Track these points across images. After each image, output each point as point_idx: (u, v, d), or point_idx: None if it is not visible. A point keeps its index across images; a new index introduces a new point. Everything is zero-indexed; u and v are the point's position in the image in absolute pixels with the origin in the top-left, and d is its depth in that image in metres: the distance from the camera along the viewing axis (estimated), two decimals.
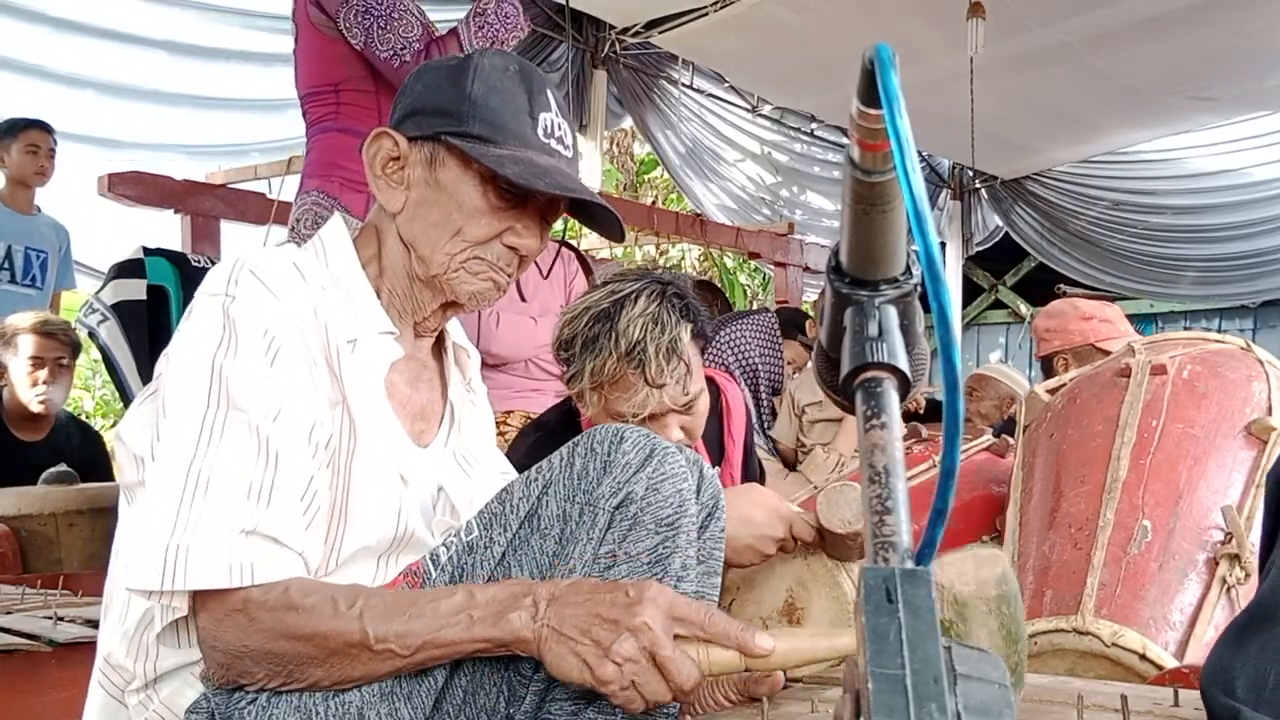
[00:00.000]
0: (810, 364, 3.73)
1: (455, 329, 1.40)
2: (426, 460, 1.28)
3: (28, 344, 3.39)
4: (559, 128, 1.26)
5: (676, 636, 1.03)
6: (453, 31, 2.41)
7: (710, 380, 2.18)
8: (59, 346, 3.44)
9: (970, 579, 1.10)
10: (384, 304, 1.26)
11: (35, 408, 3.46)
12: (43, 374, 3.43)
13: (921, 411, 4.38)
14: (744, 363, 4.04)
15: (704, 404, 1.84)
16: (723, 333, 4.04)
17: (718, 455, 2.17)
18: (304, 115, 2.57)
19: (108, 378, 3.56)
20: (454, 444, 1.34)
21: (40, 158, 4.16)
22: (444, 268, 1.24)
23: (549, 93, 1.27)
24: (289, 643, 1.04)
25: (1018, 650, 1.10)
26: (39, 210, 4.31)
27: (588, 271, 3.49)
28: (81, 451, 3.61)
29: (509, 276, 1.28)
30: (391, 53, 2.35)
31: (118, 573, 1.21)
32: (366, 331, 1.21)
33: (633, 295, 1.70)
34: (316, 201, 2.44)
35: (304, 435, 1.10)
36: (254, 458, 1.05)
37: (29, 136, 4.13)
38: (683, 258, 9.29)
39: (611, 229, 1.30)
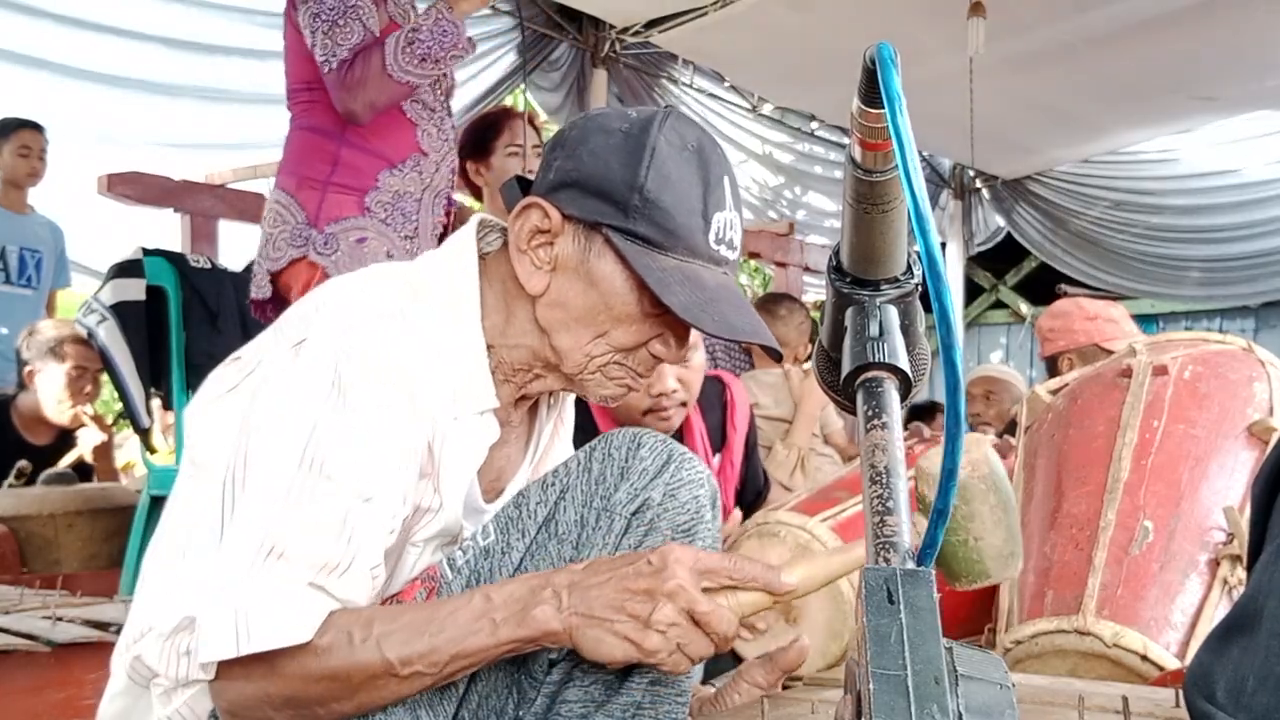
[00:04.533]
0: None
1: None
2: (490, 511, 1.23)
3: (74, 354, 3.41)
4: (730, 226, 1.14)
5: (704, 589, 1.02)
6: (379, 42, 2.31)
7: (717, 379, 2.37)
8: (98, 360, 3.46)
9: (965, 462, 1.11)
10: (492, 365, 1.17)
11: (60, 420, 3.46)
12: (85, 386, 3.45)
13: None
14: (711, 357, 4.08)
15: (700, 361, 1.99)
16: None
17: (719, 441, 2.30)
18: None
19: (106, 378, 3.57)
20: (527, 479, 1.29)
21: (32, 159, 4.16)
22: (581, 368, 1.16)
23: (726, 181, 1.14)
24: (311, 686, 1.00)
25: (1014, 515, 1.13)
26: (33, 210, 4.31)
27: None
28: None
29: (644, 382, 1.20)
30: (323, 58, 2.31)
31: (164, 557, 1.14)
32: (470, 408, 1.14)
33: None
34: (278, 199, 2.42)
35: (387, 521, 1.05)
36: (336, 537, 1.00)
37: (21, 138, 4.13)
38: None
39: (771, 354, 1.22)
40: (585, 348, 1.15)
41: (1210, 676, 0.89)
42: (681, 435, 2.25)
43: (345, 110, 2.33)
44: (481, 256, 1.20)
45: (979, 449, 1.14)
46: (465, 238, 1.20)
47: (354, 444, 1.02)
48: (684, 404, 2.08)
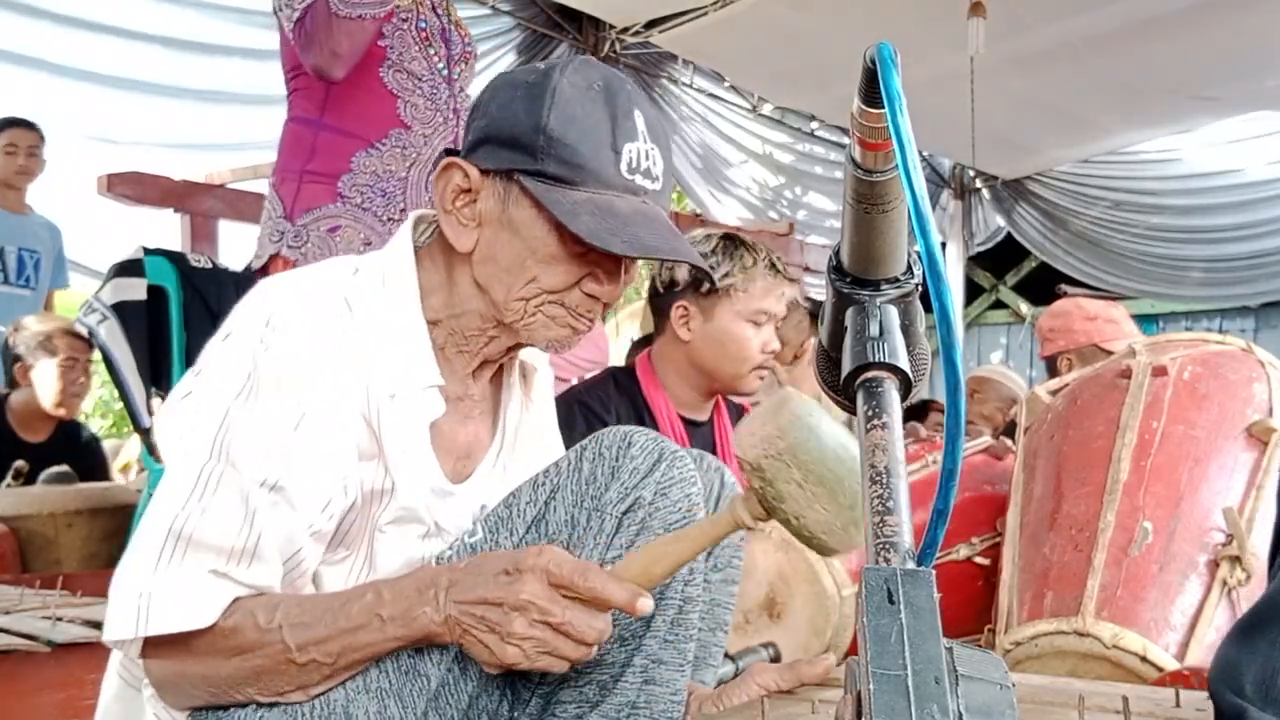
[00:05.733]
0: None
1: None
2: (465, 493, 1.24)
3: (65, 346, 3.40)
4: (646, 157, 1.16)
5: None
6: None
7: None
8: (88, 350, 3.45)
9: (756, 438, 1.02)
10: (439, 343, 1.20)
11: (61, 410, 3.46)
12: (78, 376, 3.44)
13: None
14: None
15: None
16: None
17: None
18: None
19: (106, 377, 3.57)
20: (504, 461, 1.30)
21: (20, 156, 4.11)
22: (519, 314, 1.17)
23: (637, 114, 1.16)
24: (220, 665, 1.04)
25: (845, 491, 1.00)
26: (31, 210, 4.29)
27: None
28: (82, 453, 3.61)
29: (590, 322, 1.21)
30: (288, 27, 2.19)
31: None
32: (409, 386, 1.15)
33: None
34: (267, 195, 2.32)
35: (308, 505, 1.07)
36: (240, 524, 1.03)
37: (8, 136, 4.09)
38: None
39: (700, 273, 1.23)
40: (518, 294, 1.16)
41: (1237, 670, 0.89)
42: (713, 431, 2.31)
43: (314, 68, 2.19)
44: (423, 246, 1.23)
45: (776, 418, 1.03)
46: (404, 227, 1.24)
47: (264, 432, 1.05)
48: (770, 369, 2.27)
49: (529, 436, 1.34)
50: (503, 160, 1.14)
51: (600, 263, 1.16)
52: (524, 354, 1.33)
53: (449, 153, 1.20)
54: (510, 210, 1.15)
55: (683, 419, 2.23)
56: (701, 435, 2.28)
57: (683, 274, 2.16)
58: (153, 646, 1.04)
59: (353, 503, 1.12)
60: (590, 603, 1.02)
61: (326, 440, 1.08)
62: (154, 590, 1.01)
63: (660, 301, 2.21)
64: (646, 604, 1.03)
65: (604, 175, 1.13)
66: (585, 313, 1.19)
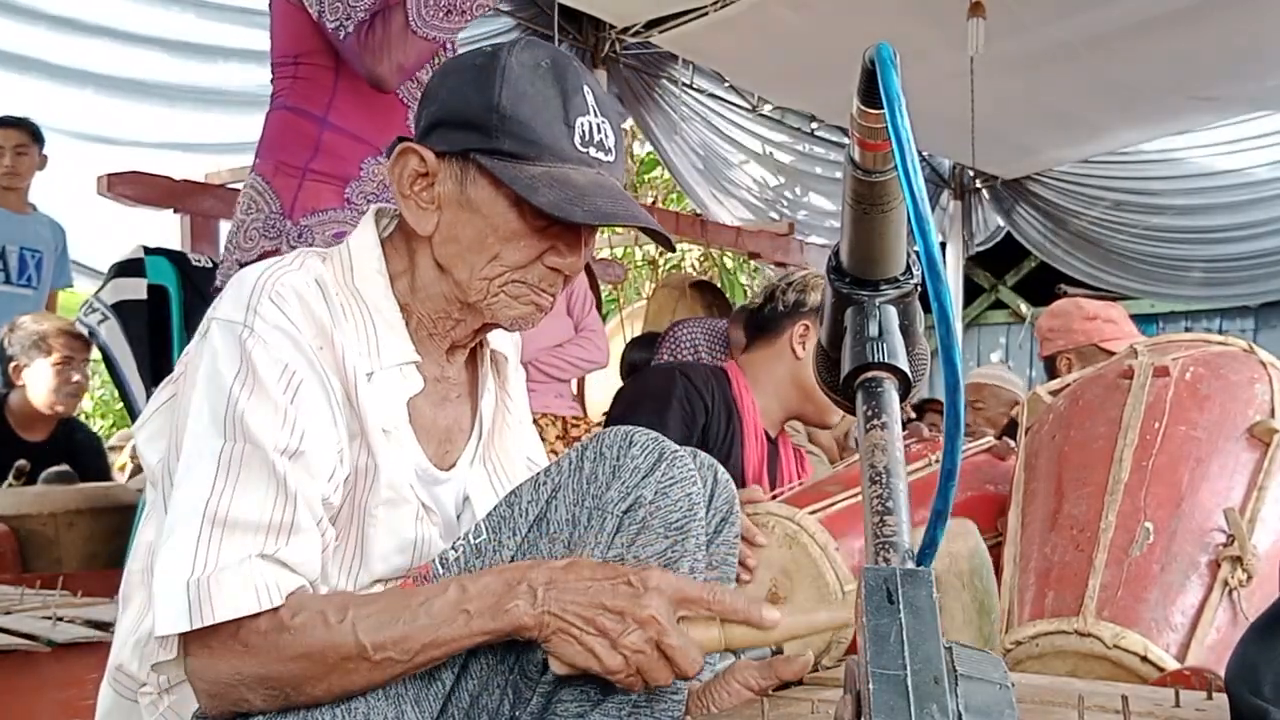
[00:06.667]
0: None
1: (495, 333, 1.34)
2: (450, 480, 1.26)
3: (60, 345, 3.39)
4: (598, 130, 1.17)
5: (682, 618, 1.05)
6: (400, 1, 2.11)
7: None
8: (84, 349, 3.45)
9: (944, 553, 1.08)
10: (412, 325, 1.21)
11: (57, 409, 3.46)
12: (74, 375, 3.44)
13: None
14: (694, 349, 4.10)
15: None
16: (683, 331, 4.13)
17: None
18: None
19: (107, 377, 3.57)
20: (484, 453, 1.31)
21: (6, 156, 4.06)
22: (483, 293, 1.18)
23: (586, 90, 1.18)
24: (284, 665, 1.02)
25: (990, 621, 1.08)
26: (34, 209, 4.27)
27: (588, 271, 3.49)
28: (82, 452, 3.61)
29: (552, 297, 1.22)
30: (337, 23, 2.12)
31: (134, 569, 1.18)
32: (385, 364, 1.17)
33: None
34: (253, 184, 2.21)
35: (321, 475, 1.08)
36: (274, 496, 1.04)
37: None
38: (682, 258, 9.29)
39: (658, 239, 1.23)
40: (481, 272, 1.17)
41: (1255, 670, 0.89)
42: (778, 450, 2.36)
43: (371, 75, 2.12)
44: (386, 238, 1.24)
45: (965, 541, 1.08)
46: (366, 217, 1.25)
47: (270, 407, 1.06)
48: None
49: (506, 430, 1.35)
50: (458, 141, 1.15)
51: (561, 235, 1.17)
52: (495, 342, 1.34)
53: (402, 140, 1.20)
54: (468, 190, 1.16)
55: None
56: (773, 448, 2.33)
57: (814, 297, 2.25)
58: (204, 647, 1.02)
59: (348, 475, 1.13)
60: (719, 613, 1.06)
61: (322, 413, 1.10)
62: (204, 578, 1.00)
63: (777, 316, 2.30)
64: (771, 614, 1.08)
65: (559, 149, 1.14)
66: (548, 288, 1.20)
